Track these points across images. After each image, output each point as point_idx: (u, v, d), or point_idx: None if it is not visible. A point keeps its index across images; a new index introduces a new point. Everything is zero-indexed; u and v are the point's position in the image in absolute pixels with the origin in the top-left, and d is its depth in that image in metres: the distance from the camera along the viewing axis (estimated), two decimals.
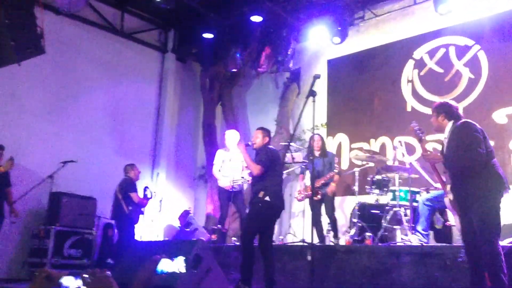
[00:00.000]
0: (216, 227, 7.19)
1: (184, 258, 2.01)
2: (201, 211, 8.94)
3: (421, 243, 4.83)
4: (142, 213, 6.76)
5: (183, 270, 1.98)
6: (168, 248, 5.74)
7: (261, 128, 4.84)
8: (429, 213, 5.13)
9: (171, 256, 2.03)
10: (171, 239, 7.27)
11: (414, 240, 4.95)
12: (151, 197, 6.95)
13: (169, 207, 8.74)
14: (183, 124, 9.55)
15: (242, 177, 6.31)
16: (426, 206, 5.14)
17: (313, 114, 3.92)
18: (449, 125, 3.53)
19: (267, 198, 4.42)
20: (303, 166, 6.39)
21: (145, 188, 7.07)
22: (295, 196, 6.21)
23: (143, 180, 7.91)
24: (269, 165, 4.46)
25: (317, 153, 6.22)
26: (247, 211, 5.44)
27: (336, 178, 6.11)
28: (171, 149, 9.24)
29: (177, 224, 8.00)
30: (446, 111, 3.68)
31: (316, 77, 3.98)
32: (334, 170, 6.07)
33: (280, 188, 4.63)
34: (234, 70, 8.69)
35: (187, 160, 9.51)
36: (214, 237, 6.74)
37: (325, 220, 6.10)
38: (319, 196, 5.97)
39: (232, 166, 6.56)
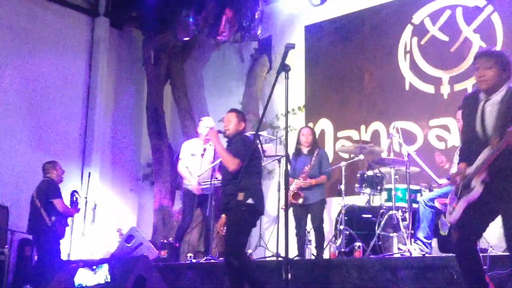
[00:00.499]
0: (166, 241, 7.17)
1: (108, 264, 2.02)
2: (147, 221, 8.89)
3: (423, 254, 4.94)
4: (67, 225, 6.69)
5: (108, 279, 1.99)
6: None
7: (235, 111, 4.83)
8: (433, 216, 5.26)
9: (92, 266, 2.03)
10: (109, 257, 7.20)
11: (415, 250, 5.06)
12: (78, 205, 6.89)
13: (105, 216, 8.65)
14: (121, 108, 9.46)
15: (216, 178, 6.34)
16: (428, 208, 5.26)
17: (286, 95, 3.93)
18: (503, 88, 3.35)
19: (250, 201, 4.44)
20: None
21: (73, 193, 6.98)
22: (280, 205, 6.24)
23: (69, 183, 7.82)
24: (247, 159, 4.39)
25: (305, 150, 6.27)
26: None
27: (323, 181, 6.23)
28: (106, 141, 9.14)
29: (115, 238, 7.94)
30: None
31: (289, 47, 3.99)
32: (326, 172, 6.19)
33: (261, 188, 4.66)
34: (186, 38, 8.64)
35: (128, 155, 9.43)
36: (163, 253, 6.72)
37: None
38: (301, 200, 6.03)
39: (204, 163, 6.58)
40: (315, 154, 6.26)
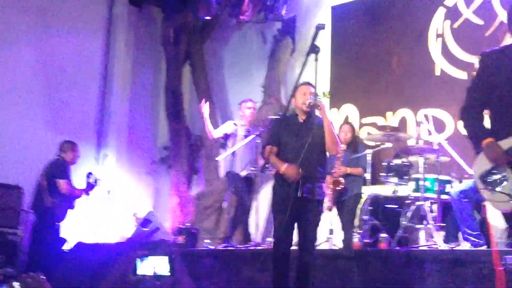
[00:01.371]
0: (183, 226, 7.20)
1: (169, 257, 2.01)
2: (164, 206, 8.94)
3: (451, 247, 4.90)
4: (72, 207, 6.72)
5: (167, 273, 1.99)
6: (121, 253, 5.74)
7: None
8: (470, 208, 5.17)
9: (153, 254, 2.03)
10: (125, 241, 7.25)
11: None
12: (95, 185, 6.92)
13: (120, 199, 8.70)
14: (138, 89, 9.47)
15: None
16: (462, 200, 5.19)
17: (316, 78, 3.91)
18: None
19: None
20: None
21: (89, 174, 7.02)
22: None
23: (84, 165, 7.87)
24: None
25: (343, 146, 6.19)
26: None
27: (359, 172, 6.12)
28: (123, 123, 9.17)
29: (131, 222, 8.00)
30: None
31: (320, 27, 3.95)
32: (363, 166, 6.10)
33: None
34: (207, 18, 8.60)
35: (144, 138, 9.46)
36: (181, 239, 6.75)
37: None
38: (341, 187, 5.93)
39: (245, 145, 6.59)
40: (354, 151, 6.16)
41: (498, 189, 3.10)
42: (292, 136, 4.52)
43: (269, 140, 4.62)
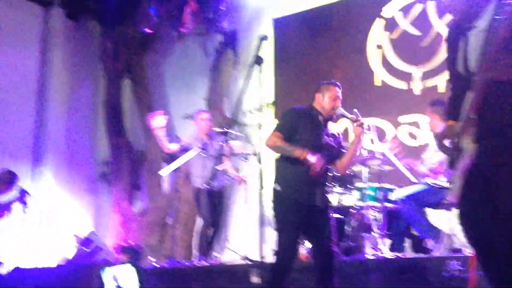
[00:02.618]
0: (126, 245, 7.04)
1: (135, 268, 1.92)
2: (105, 224, 8.73)
3: (396, 255, 4.97)
4: None
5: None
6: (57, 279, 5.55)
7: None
8: (419, 210, 5.30)
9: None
10: (63, 264, 7.02)
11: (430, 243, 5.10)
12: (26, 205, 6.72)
13: (59, 219, 8.45)
14: (76, 104, 9.25)
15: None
16: (408, 204, 5.31)
17: (260, 89, 3.91)
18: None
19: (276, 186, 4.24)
20: None
21: (23, 193, 6.80)
22: None
23: (20, 182, 7.59)
24: None
25: None
26: None
27: None
28: (61, 139, 8.94)
29: (72, 243, 7.78)
30: None
31: (263, 38, 3.96)
32: None
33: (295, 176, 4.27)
34: (147, 31, 8.50)
35: (84, 154, 9.24)
36: (124, 257, 6.60)
37: None
38: None
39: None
40: None
41: None
42: (312, 132, 4.18)
43: (281, 130, 4.19)
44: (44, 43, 9.01)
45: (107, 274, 1.61)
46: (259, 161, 6.17)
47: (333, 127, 4.39)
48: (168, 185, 7.02)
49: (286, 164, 4.14)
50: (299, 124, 4.17)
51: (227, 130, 6.48)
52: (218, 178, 6.47)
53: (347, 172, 4.52)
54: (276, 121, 7.44)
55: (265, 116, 7.97)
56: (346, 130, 7.49)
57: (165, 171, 6.78)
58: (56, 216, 8.47)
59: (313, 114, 4.26)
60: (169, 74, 9.35)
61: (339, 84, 4.41)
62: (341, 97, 4.34)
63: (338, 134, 4.41)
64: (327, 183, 4.30)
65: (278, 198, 4.12)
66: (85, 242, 6.88)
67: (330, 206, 4.28)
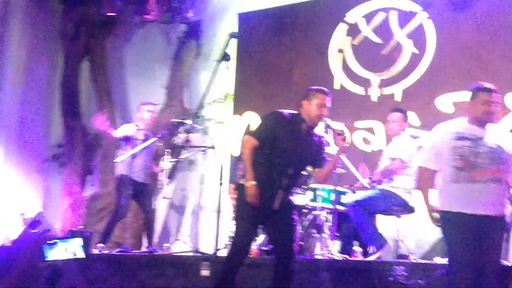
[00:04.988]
0: (75, 229, 6.95)
1: (82, 239, 1.92)
2: (54, 206, 8.58)
3: (344, 257, 5.10)
4: None
5: (82, 256, 1.90)
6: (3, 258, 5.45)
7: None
8: (366, 215, 5.44)
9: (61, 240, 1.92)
10: (9, 243, 6.87)
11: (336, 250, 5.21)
12: None
13: (6, 198, 8.25)
14: (32, 84, 9.01)
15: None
16: (359, 211, 5.44)
17: (226, 85, 3.95)
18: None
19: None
20: None
21: None
22: None
23: None
24: None
25: None
26: None
27: None
28: (13, 117, 8.69)
29: (18, 223, 7.62)
30: None
31: (233, 35, 4.01)
32: None
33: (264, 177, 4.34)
34: (110, 14, 8.38)
35: (37, 134, 9.03)
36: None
37: None
38: None
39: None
40: None
41: None
42: (291, 141, 4.20)
43: (260, 133, 4.27)
44: (2, 19, 8.73)
45: (58, 247, 1.64)
46: (216, 155, 6.30)
47: (319, 135, 4.38)
48: (120, 172, 6.95)
49: (256, 164, 4.19)
50: (279, 131, 4.20)
51: (185, 121, 6.49)
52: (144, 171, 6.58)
53: (325, 180, 4.56)
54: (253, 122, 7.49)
55: (224, 110, 7.99)
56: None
57: (120, 158, 6.72)
58: (3, 195, 8.26)
59: (296, 121, 4.25)
60: (129, 59, 9.22)
61: (328, 91, 4.33)
62: (329, 106, 4.28)
63: (322, 142, 4.41)
64: (293, 188, 4.36)
65: (242, 193, 4.18)
66: (33, 223, 6.74)
67: (293, 208, 4.35)
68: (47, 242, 1.65)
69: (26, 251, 4.12)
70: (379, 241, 5.33)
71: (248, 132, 4.30)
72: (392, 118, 5.83)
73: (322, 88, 4.34)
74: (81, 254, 1.67)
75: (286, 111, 4.32)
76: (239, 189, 4.27)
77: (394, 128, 5.82)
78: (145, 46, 9.04)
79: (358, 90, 7.30)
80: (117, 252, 6.18)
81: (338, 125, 4.31)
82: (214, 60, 4.16)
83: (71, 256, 1.67)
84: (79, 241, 1.68)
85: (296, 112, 4.31)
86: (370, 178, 5.73)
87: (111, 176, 8.35)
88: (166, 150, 6.55)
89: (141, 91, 8.50)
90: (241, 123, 7.91)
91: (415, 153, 5.68)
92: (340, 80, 7.47)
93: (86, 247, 1.71)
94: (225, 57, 3.98)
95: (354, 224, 5.49)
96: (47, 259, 1.65)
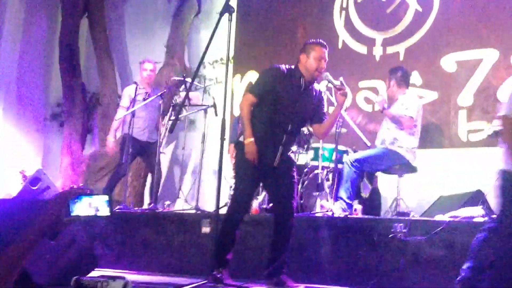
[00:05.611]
0: (77, 187, 6.99)
1: (107, 197, 1.92)
2: (54, 165, 8.62)
3: (345, 214, 5.15)
4: None
5: (106, 213, 1.91)
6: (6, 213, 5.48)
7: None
8: (357, 177, 5.47)
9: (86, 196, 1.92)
10: (11, 199, 6.92)
11: (336, 209, 5.26)
12: None
13: (6, 156, 8.30)
14: (30, 41, 8.96)
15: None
16: (353, 167, 5.46)
17: (228, 39, 3.91)
18: None
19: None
20: None
21: None
22: None
23: None
24: None
25: None
26: None
27: None
28: (12, 75, 8.68)
29: (18, 180, 7.67)
30: None
31: None
32: None
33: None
34: None
35: (36, 93, 9.02)
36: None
37: None
38: None
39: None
40: None
41: None
42: (290, 96, 4.15)
43: (257, 89, 4.22)
44: None
45: (82, 203, 1.64)
46: (216, 114, 6.28)
47: (318, 90, 4.35)
48: (121, 131, 6.97)
49: (253, 121, 4.18)
50: (277, 86, 4.16)
51: (186, 80, 6.46)
52: (148, 129, 6.61)
53: (324, 136, 4.59)
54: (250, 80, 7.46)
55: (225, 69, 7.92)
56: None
57: (120, 115, 6.72)
58: (3, 153, 8.30)
59: (294, 76, 4.21)
60: (129, 17, 9.13)
61: (325, 44, 4.28)
62: (327, 59, 4.24)
63: (321, 97, 4.39)
64: (293, 145, 4.38)
65: (241, 150, 4.18)
66: (33, 180, 6.77)
67: (293, 165, 4.37)
68: (72, 197, 1.67)
69: (28, 207, 4.14)
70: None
71: (247, 89, 4.27)
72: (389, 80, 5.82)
73: (319, 40, 4.29)
74: (105, 211, 1.69)
75: (284, 66, 4.27)
76: (238, 146, 4.28)
77: (393, 90, 5.81)
78: (145, 3, 8.95)
79: (362, 49, 7.24)
80: (118, 209, 6.23)
81: (337, 80, 4.28)
82: (217, 13, 4.07)
83: (93, 213, 1.68)
84: (104, 198, 1.69)
85: (294, 66, 4.26)
86: (383, 108, 5.64)
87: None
88: (170, 107, 6.56)
89: (141, 49, 8.44)
90: (242, 83, 7.88)
91: (420, 112, 5.68)
92: (343, 38, 7.40)
93: (110, 204, 1.73)
94: (228, 8, 3.91)
95: (344, 179, 5.48)
96: (72, 213, 1.66)
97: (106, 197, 1.89)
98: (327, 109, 4.61)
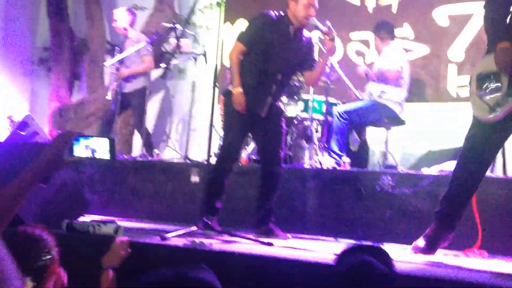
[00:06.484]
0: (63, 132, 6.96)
1: (109, 140, 1.92)
2: (41, 111, 8.55)
3: (334, 166, 5.20)
4: None
5: (106, 157, 1.91)
6: None
7: None
8: (346, 129, 5.50)
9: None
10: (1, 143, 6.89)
11: (327, 161, 5.30)
12: None
13: None
14: None
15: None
16: (342, 120, 5.48)
17: None
18: None
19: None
20: None
21: None
22: None
23: None
24: None
25: None
26: None
27: None
28: None
29: (5, 125, 7.59)
30: None
31: None
32: None
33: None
34: None
35: (22, 36, 8.85)
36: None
37: None
38: None
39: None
40: None
41: (485, 97, 3.22)
42: (279, 44, 4.12)
43: (246, 38, 4.17)
44: None
45: (80, 144, 1.63)
46: (206, 62, 6.23)
47: (308, 37, 4.32)
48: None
49: (242, 70, 4.16)
50: (266, 34, 4.13)
51: (176, 27, 6.36)
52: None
53: (315, 83, 4.58)
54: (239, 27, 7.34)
55: (215, 16, 7.81)
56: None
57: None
58: None
59: (283, 23, 4.17)
60: None
61: None
62: (317, 6, 4.19)
63: (311, 44, 4.37)
64: (282, 94, 4.37)
65: (229, 100, 4.18)
66: (21, 125, 6.71)
67: (281, 115, 4.38)
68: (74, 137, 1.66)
69: (18, 150, 4.13)
70: (338, 161, 5.37)
71: (236, 38, 4.24)
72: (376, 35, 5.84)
73: None
74: (105, 155, 1.67)
75: (273, 13, 4.22)
76: (226, 95, 4.27)
77: (377, 44, 5.84)
78: None
79: (355, 0, 7.15)
80: None
81: (325, 26, 4.24)
82: None
83: (90, 155, 1.67)
84: (104, 141, 1.68)
85: (283, 13, 4.21)
86: (366, 71, 5.71)
87: (100, 82, 8.31)
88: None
89: None
90: (232, 31, 7.76)
91: (405, 64, 5.68)
92: None
93: (113, 149, 1.72)
94: None
95: (334, 132, 5.52)
96: (74, 154, 1.66)
97: (106, 140, 1.89)
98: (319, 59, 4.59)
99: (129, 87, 6.52)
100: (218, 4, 7.80)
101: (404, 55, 5.82)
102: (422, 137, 6.08)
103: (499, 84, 3.18)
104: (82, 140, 1.87)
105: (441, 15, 6.47)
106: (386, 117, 5.57)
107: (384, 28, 5.82)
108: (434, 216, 3.53)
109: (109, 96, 6.53)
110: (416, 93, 6.17)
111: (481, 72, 3.28)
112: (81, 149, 1.86)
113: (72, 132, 1.88)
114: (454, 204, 3.42)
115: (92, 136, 1.89)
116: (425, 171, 4.74)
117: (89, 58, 8.41)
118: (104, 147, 1.89)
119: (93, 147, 1.88)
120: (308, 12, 4.13)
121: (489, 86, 3.20)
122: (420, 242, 3.49)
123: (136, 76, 6.53)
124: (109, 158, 1.90)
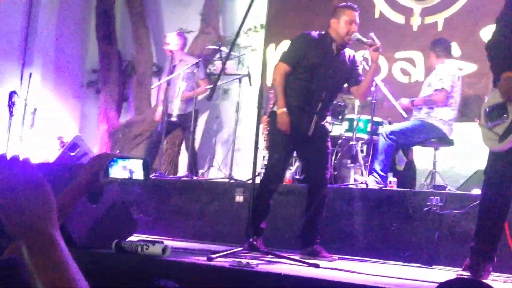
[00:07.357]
0: (100, 154, 7.08)
1: (143, 161, 1.95)
2: (90, 131, 8.74)
3: (379, 187, 5.12)
4: None
5: (141, 178, 1.93)
6: (45, 175, 5.58)
7: None
8: (392, 149, 5.41)
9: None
10: (51, 163, 7.05)
11: (371, 182, 5.23)
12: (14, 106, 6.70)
13: (45, 121, 8.43)
14: (68, 8, 9.01)
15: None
16: (389, 140, 5.40)
17: (268, 6, 3.83)
18: None
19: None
20: None
21: (11, 94, 6.75)
22: None
23: (8, 83, 7.52)
24: None
25: None
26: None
27: None
28: (50, 42, 8.77)
29: (55, 145, 7.77)
30: None
31: None
32: None
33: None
34: None
35: (73, 59, 9.10)
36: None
37: None
38: None
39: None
40: None
41: (494, 128, 3.24)
42: (322, 63, 4.10)
43: (289, 58, 4.17)
44: None
45: (118, 166, 1.65)
46: (250, 83, 6.26)
47: (350, 54, 4.31)
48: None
49: (288, 90, 4.16)
50: (309, 53, 4.13)
51: (221, 48, 6.43)
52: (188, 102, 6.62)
53: (364, 96, 4.52)
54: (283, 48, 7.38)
55: (260, 39, 7.87)
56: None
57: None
58: (42, 118, 8.43)
59: (325, 41, 4.17)
60: None
61: (356, 7, 4.22)
62: (358, 22, 4.18)
63: (355, 60, 4.35)
64: (327, 114, 4.35)
65: (274, 120, 4.18)
66: (71, 146, 6.88)
67: (327, 135, 4.35)
68: (110, 159, 1.68)
69: (67, 171, 4.21)
70: (380, 181, 5.27)
71: (279, 59, 4.25)
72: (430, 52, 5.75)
73: (349, 3, 4.23)
74: (140, 175, 1.68)
75: (314, 32, 4.23)
76: (271, 116, 4.27)
77: (432, 60, 5.74)
78: None
79: (399, 19, 7.09)
80: (153, 176, 6.30)
81: (368, 38, 4.16)
82: None
83: (128, 176, 1.68)
84: (139, 162, 1.69)
85: (324, 32, 4.22)
86: (411, 101, 5.64)
87: (147, 103, 8.46)
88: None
89: (176, 18, 8.42)
90: (276, 52, 7.80)
91: (457, 84, 5.57)
92: (380, 8, 7.25)
93: (147, 169, 1.72)
94: None
95: (379, 151, 5.43)
96: (110, 176, 1.67)
97: (140, 161, 1.90)
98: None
99: (182, 109, 6.60)
100: (263, 26, 7.87)
101: (458, 73, 5.69)
102: (471, 156, 5.93)
103: (506, 114, 3.21)
104: (120, 162, 1.89)
105: (488, 33, 6.33)
106: (434, 137, 5.46)
107: (441, 45, 5.72)
108: (470, 252, 3.41)
109: (157, 117, 6.63)
110: (465, 112, 6.05)
111: (489, 106, 3.31)
112: (118, 170, 1.88)
113: (108, 154, 1.91)
114: (486, 240, 3.33)
115: (129, 158, 1.91)
116: (475, 191, 4.61)
117: (137, 80, 8.58)
118: (139, 168, 1.90)
119: (130, 168, 1.90)
120: (350, 28, 4.12)
121: (496, 116, 3.24)
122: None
123: (191, 98, 6.64)
124: (143, 179, 1.92)
